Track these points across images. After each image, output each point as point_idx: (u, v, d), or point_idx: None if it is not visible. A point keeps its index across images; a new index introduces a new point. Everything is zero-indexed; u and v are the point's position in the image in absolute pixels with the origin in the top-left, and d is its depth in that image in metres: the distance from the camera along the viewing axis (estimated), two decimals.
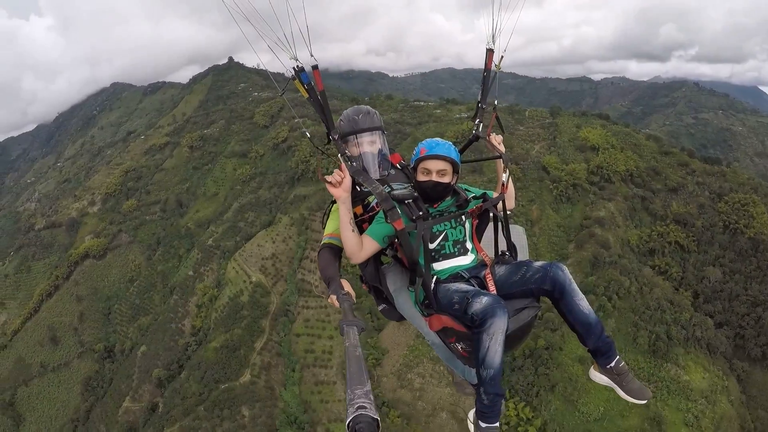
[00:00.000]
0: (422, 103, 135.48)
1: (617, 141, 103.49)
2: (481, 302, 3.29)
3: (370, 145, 4.36)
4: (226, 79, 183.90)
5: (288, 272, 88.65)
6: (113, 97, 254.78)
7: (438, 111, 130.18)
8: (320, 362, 74.38)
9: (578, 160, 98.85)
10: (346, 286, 3.68)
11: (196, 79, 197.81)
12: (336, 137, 4.04)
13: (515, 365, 65.52)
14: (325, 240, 4.23)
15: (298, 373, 73.08)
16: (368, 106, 4.52)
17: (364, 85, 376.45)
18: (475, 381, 4.19)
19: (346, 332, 2.66)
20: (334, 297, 3.58)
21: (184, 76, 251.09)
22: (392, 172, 4.41)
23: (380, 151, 4.43)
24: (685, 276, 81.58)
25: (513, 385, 63.98)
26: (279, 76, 4.50)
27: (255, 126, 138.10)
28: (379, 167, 4.37)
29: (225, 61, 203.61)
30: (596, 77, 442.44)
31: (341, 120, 4.43)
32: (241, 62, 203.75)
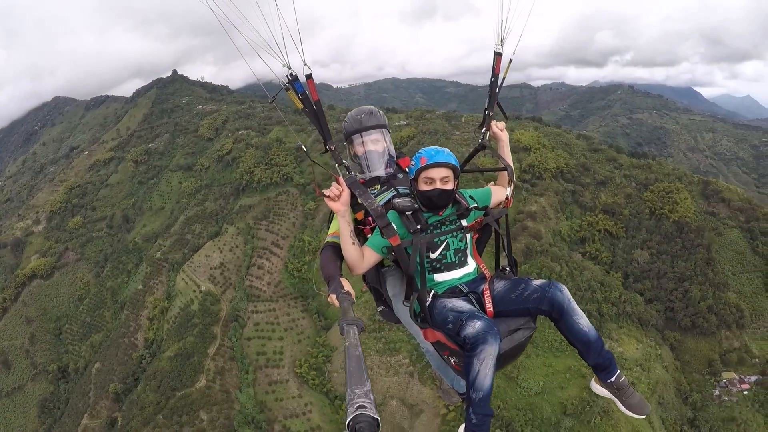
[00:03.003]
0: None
1: (548, 141, 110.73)
2: (474, 327, 3.28)
3: (374, 143, 4.36)
4: (170, 93, 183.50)
5: (236, 280, 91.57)
6: (55, 112, 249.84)
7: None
8: (272, 363, 77.50)
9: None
10: (346, 285, 3.60)
11: (140, 93, 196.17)
12: (333, 147, 3.96)
13: None
14: (328, 239, 4.12)
15: (251, 375, 75.91)
16: (371, 106, 4.53)
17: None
18: (463, 390, 4.40)
19: (346, 331, 2.63)
20: (333, 296, 3.52)
21: (127, 89, 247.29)
22: (400, 175, 4.42)
23: (386, 149, 4.42)
24: (615, 260, 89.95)
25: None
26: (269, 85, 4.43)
27: (200, 139, 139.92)
28: (385, 166, 4.38)
29: (169, 74, 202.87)
30: (536, 83, 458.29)
31: (346, 121, 4.42)
32: (185, 75, 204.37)
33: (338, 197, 3.68)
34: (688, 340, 79.58)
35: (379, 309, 4.56)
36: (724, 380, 73.88)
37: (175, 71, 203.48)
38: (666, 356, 74.53)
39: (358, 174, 4.31)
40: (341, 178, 3.78)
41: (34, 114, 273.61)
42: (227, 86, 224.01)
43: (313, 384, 73.87)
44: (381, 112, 4.51)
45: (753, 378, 73.57)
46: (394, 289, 4.28)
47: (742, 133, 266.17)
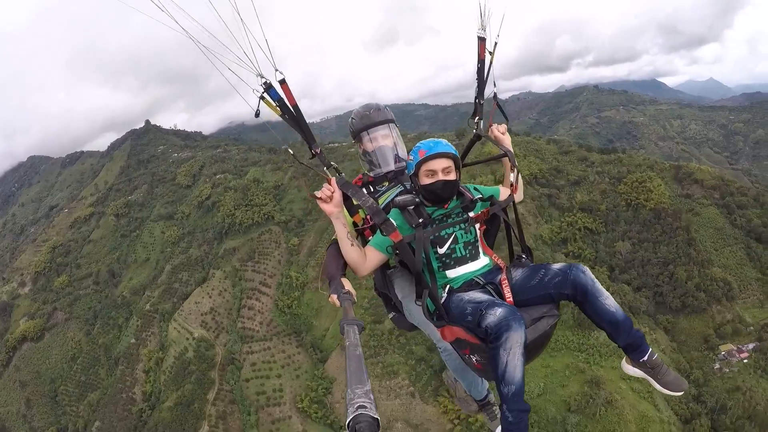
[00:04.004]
0: (337, 145, 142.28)
1: (519, 150, 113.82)
2: (496, 314, 3.12)
3: (384, 138, 4.31)
4: (144, 143, 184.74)
5: (228, 323, 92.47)
6: (31, 171, 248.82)
7: (352, 150, 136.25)
8: (273, 401, 78.03)
9: (485, 173, 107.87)
10: (347, 285, 3.54)
11: (114, 146, 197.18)
12: (318, 151, 3.88)
13: None
14: (333, 237, 3.96)
15: (254, 416, 76.48)
16: (377, 103, 4.46)
17: (282, 134, 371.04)
18: (480, 397, 4.49)
19: (347, 331, 2.60)
20: (334, 296, 3.44)
21: (101, 143, 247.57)
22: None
23: (395, 144, 4.36)
24: (598, 255, 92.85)
25: None
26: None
27: (178, 187, 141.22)
28: (395, 160, 4.31)
29: (142, 124, 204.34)
30: (504, 96, 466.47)
31: (352, 118, 4.40)
32: (158, 124, 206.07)
33: (330, 199, 3.66)
34: (681, 321, 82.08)
35: (391, 316, 4.47)
36: (723, 352, 75.66)
37: (147, 121, 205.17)
38: (661, 339, 76.42)
39: (370, 170, 4.36)
40: (333, 180, 3.73)
41: (11, 175, 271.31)
42: (200, 132, 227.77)
43: (316, 417, 74.49)
44: (387, 107, 4.47)
45: (751, 345, 75.61)
46: (402, 291, 4.17)
47: (708, 115, 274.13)
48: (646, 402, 63.50)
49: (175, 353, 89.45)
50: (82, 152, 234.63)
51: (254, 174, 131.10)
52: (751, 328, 78.78)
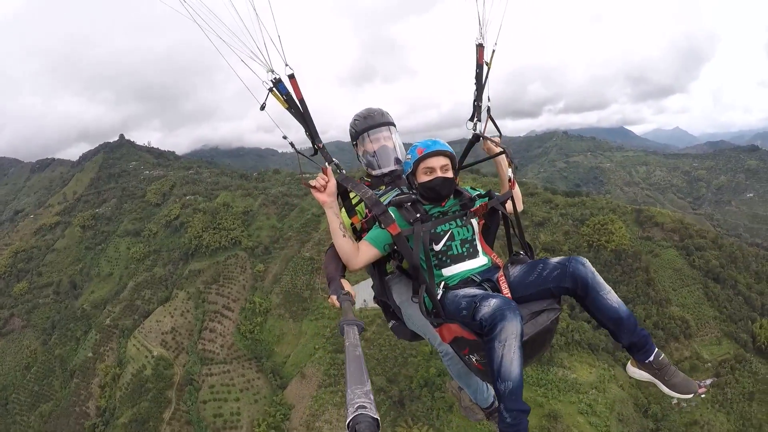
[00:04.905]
0: (308, 175, 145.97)
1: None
2: (490, 305, 3.06)
3: (385, 140, 4.36)
4: (117, 157, 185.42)
5: (189, 344, 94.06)
6: None
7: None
8: (230, 424, 79.60)
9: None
10: (347, 286, 3.52)
11: (86, 157, 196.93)
12: (321, 146, 3.85)
13: (414, 395, 74.68)
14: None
15: None
16: (378, 107, 4.52)
17: (254, 161, 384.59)
18: (486, 404, 4.55)
19: (346, 332, 2.58)
20: (334, 297, 3.44)
21: (73, 153, 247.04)
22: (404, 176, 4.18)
23: (395, 146, 4.43)
24: None
25: (414, 412, 72.71)
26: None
27: (147, 204, 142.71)
28: (395, 162, 4.36)
29: (116, 138, 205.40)
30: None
31: (355, 120, 4.44)
32: (132, 140, 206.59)
33: (324, 188, 3.64)
34: None
35: (390, 325, 4.42)
36: None
37: (122, 135, 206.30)
38: (620, 375, 77.49)
39: (371, 171, 4.41)
40: (328, 169, 3.71)
41: None
42: (174, 152, 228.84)
43: None
44: (388, 112, 4.50)
45: (708, 381, 78.51)
46: (400, 296, 4.15)
47: (673, 162, 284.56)
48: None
49: (132, 370, 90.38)
50: (53, 159, 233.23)
51: (224, 198, 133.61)
52: (709, 364, 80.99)
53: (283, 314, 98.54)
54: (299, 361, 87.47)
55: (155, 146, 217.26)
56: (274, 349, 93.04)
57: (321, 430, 75.97)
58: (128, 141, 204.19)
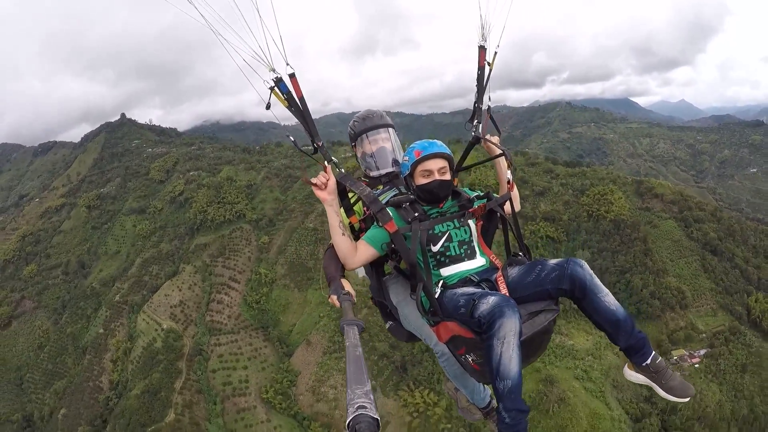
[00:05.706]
0: (310, 147, 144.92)
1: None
2: (488, 302, 3.02)
3: (384, 141, 4.35)
4: (119, 137, 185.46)
5: (197, 316, 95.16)
6: (2, 159, 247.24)
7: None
8: (239, 392, 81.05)
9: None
10: (347, 286, 3.51)
11: (88, 138, 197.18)
12: (321, 144, 3.80)
13: (416, 360, 75.71)
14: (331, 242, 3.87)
15: (219, 406, 79.40)
16: (378, 109, 4.51)
17: (256, 135, 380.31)
18: (483, 404, 4.53)
19: (347, 332, 2.58)
20: (334, 297, 3.41)
21: (75, 134, 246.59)
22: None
23: (394, 148, 4.40)
24: None
25: (416, 376, 73.91)
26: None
27: (151, 181, 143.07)
28: (393, 163, 4.33)
29: (117, 117, 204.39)
30: None
31: (354, 122, 4.42)
32: (133, 119, 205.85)
33: (325, 185, 3.60)
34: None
35: (388, 325, 4.36)
36: (675, 357, 78.51)
37: (123, 115, 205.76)
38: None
39: (369, 172, 4.38)
40: (329, 167, 3.69)
41: None
42: (176, 129, 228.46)
43: (280, 408, 77.57)
44: (387, 114, 4.52)
45: (702, 351, 79.40)
46: (397, 296, 4.12)
47: (677, 134, 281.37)
48: (598, 401, 67.98)
49: (143, 344, 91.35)
50: (55, 142, 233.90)
51: (228, 172, 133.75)
52: (704, 335, 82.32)
53: (288, 284, 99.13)
54: (305, 329, 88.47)
55: (157, 124, 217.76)
56: (280, 318, 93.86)
57: (326, 395, 77.58)
58: (130, 120, 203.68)
